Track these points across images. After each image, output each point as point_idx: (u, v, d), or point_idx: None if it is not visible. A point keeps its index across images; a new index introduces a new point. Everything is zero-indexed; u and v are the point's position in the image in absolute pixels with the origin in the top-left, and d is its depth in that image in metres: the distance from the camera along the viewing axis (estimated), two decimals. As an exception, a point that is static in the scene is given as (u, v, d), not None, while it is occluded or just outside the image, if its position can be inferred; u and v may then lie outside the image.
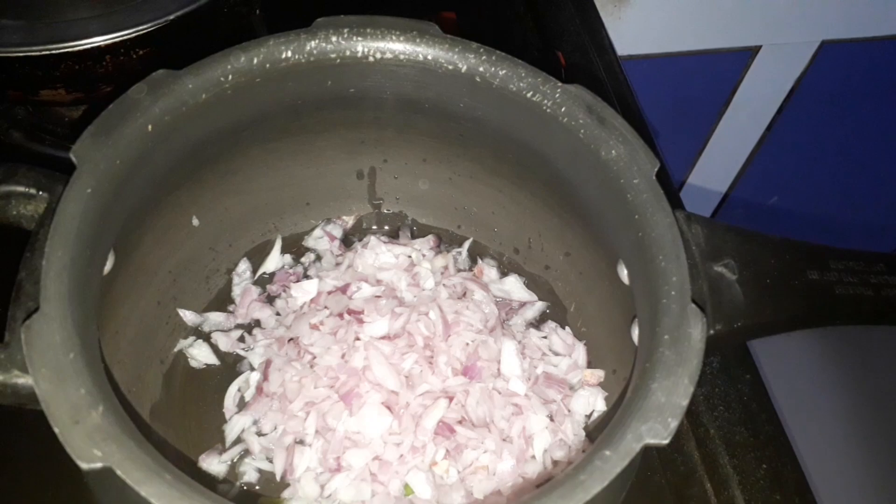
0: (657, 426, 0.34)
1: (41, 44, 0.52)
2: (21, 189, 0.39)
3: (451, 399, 0.48)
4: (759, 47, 1.07)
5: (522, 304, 0.56)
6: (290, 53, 0.44)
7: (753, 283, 0.43)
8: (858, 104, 1.20)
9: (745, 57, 1.09)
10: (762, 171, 1.28)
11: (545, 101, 0.45)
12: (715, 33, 1.03)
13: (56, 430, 0.30)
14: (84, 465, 0.29)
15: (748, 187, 1.31)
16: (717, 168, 1.26)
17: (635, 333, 0.44)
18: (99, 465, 0.29)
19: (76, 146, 0.38)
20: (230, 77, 0.43)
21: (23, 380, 0.34)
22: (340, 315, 0.50)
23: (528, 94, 0.45)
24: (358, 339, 0.49)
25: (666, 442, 0.34)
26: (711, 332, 0.41)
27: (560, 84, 0.45)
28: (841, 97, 1.18)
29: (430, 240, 0.57)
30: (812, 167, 1.31)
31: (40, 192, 0.40)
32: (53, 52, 0.52)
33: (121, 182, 0.39)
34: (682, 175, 1.27)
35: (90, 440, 0.30)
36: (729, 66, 1.10)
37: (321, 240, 0.57)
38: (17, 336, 0.35)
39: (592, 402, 0.50)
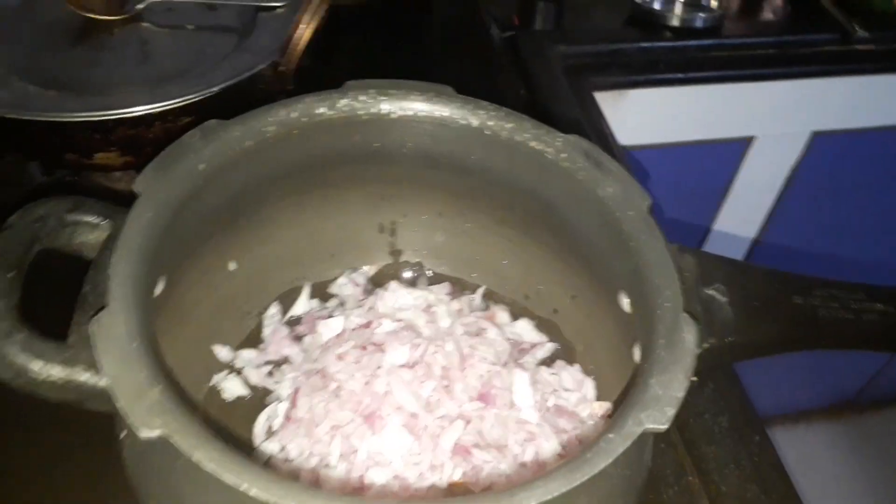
0: (656, 413, 0.37)
1: (99, 111, 0.59)
2: (88, 219, 0.45)
3: (467, 422, 0.51)
4: (754, 138, 1.13)
5: (533, 346, 0.60)
6: (323, 109, 0.51)
7: (742, 304, 0.47)
8: (853, 193, 1.25)
9: (741, 147, 1.14)
10: (762, 262, 1.31)
11: (547, 149, 0.51)
12: (710, 124, 1.09)
13: (120, 403, 0.34)
14: (144, 433, 0.33)
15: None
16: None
17: (637, 354, 0.48)
18: (157, 433, 0.33)
19: (139, 179, 0.44)
20: (271, 128, 0.49)
21: (85, 376, 0.39)
22: (364, 347, 0.54)
23: (532, 144, 0.51)
24: (380, 367, 0.53)
25: (664, 427, 0.37)
26: (706, 345, 0.45)
27: (560, 134, 0.51)
28: (835, 186, 1.23)
29: (446, 286, 0.62)
30: (810, 255, 1.35)
31: (104, 222, 0.45)
32: (112, 117, 0.58)
33: (174, 214, 0.45)
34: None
35: (150, 412, 0.34)
36: (725, 157, 1.15)
37: (345, 286, 0.61)
38: (81, 338, 0.39)
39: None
